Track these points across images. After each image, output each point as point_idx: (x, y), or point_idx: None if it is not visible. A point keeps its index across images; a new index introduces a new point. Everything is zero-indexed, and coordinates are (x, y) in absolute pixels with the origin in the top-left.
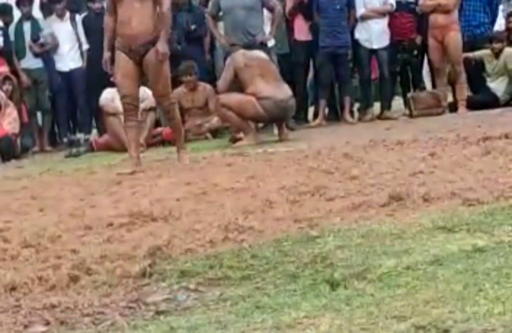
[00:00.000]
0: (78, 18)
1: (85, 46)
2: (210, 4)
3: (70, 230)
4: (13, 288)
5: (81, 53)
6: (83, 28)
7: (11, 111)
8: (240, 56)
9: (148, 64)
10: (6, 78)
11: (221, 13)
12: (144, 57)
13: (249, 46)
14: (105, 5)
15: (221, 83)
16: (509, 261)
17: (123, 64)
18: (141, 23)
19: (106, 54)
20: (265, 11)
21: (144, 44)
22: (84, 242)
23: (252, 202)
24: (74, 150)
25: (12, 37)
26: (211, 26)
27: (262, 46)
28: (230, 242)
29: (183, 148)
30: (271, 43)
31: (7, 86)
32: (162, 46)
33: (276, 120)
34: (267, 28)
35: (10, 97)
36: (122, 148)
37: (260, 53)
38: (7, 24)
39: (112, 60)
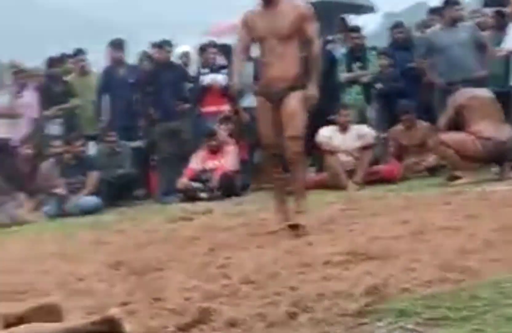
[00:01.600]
0: None
1: None
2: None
3: (288, 267)
4: (233, 324)
5: None
6: None
7: (231, 149)
8: (463, 94)
9: (285, 103)
10: (226, 117)
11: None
12: (282, 100)
13: (467, 83)
14: None
15: (442, 121)
16: None
17: (264, 114)
18: (283, 69)
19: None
20: None
21: (284, 89)
22: (302, 280)
23: (470, 242)
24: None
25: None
26: (425, 65)
27: (480, 82)
28: (448, 282)
29: (301, 211)
30: None
31: (228, 125)
32: (312, 90)
33: (494, 161)
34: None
35: (230, 135)
36: (339, 187)
37: (483, 92)
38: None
39: None
